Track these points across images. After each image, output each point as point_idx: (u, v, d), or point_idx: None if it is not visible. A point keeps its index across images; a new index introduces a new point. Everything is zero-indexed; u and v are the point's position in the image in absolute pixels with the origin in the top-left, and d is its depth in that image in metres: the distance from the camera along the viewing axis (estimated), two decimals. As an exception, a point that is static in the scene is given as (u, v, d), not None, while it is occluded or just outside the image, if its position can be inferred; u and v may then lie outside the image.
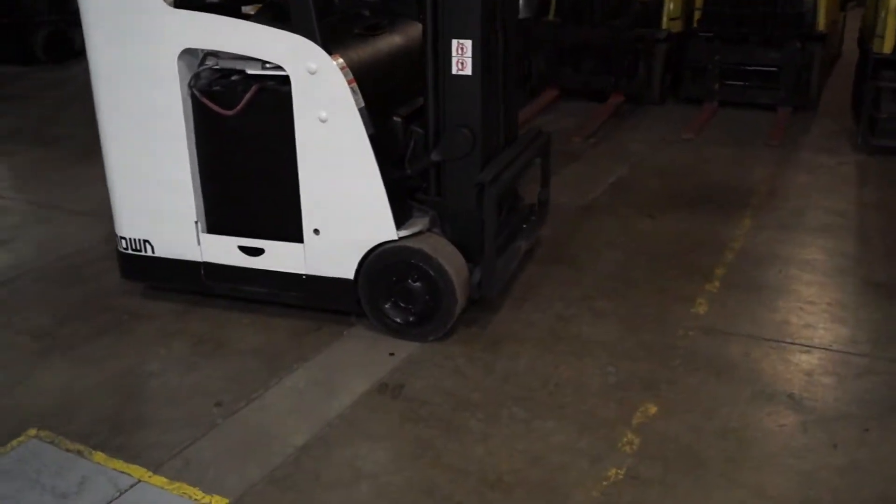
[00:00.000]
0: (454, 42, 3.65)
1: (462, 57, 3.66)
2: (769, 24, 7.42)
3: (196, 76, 3.82)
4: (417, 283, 3.74)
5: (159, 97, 3.82)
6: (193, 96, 3.81)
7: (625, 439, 3.11)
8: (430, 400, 3.40)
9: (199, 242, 4.02)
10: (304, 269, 3.89)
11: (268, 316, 4.08)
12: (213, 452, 3.11)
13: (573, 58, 8.10)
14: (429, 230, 3.84)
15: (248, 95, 3.71)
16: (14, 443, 3.16)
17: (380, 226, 3.71)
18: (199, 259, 4.05)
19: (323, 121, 3.62)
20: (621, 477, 2.91)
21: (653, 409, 3.29)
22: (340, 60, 3.59)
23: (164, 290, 4.30)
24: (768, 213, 5.24)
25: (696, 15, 7.88)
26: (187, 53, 3.77)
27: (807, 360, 3.60)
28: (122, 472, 2.99)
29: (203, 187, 3.98)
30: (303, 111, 3.64)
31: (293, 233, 3.85)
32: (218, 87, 3.80)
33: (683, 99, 7.92)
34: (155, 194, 4.02)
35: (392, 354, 3.74)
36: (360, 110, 3.59)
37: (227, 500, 2.85)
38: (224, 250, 4.00)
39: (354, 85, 3.61)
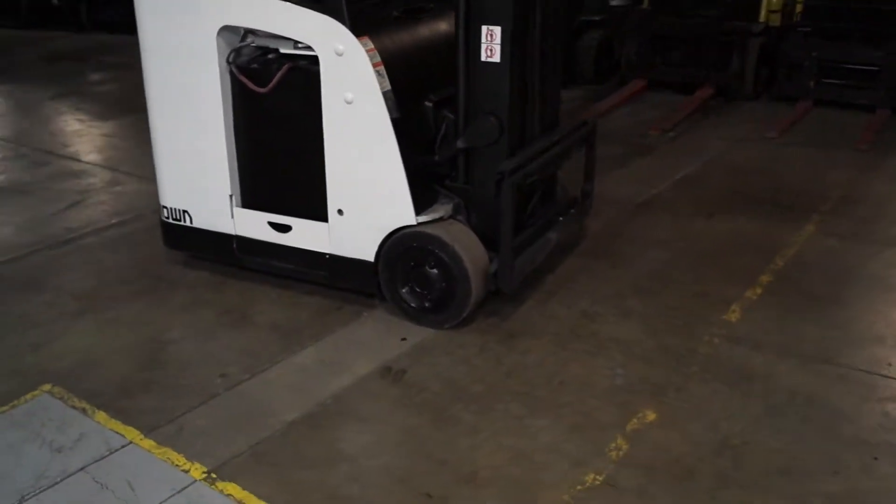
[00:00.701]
0: (484, 28, 3.58)
1: (491, 44, 3.59)
2: (872, 21, 6.94)
3: (237, 52, 3.90)
4: (434, 270, 3.72)
5: (199, 72, 3.93)
6: (231, 72, 3.90)
7: (613, 444, 2.99)
8: (428, 387, 3.38)
9: (232, 216, 4.13)
10: (328, 248, 3.93)
11: (296, 292, 4.14)
12: (206, 421, 3.19)
13: (664, 48, 7.81)
14: (452, 217, 3.80)
15: (279, 74, 3.76)
16: (28, 396, 3.35)
17: (400, 210, 3.70)
18: (232, 232, 4.15)
19: (349, 102, 3.63)
20: (598, 482, 2.81)
21: (651, 416, 3.16)
22: (368, 43, 3.59)
23: (207, 260, 4.44)
24: (836, 221, 4.91)
25: (798, 8, 7.48)
26: (226, 30, 3.85)
27: (832, 379, 3.37)
28: (117, 433, 3.11)
29: (238, 162, 4.07)
30: (330, 92, 3.67)
31: (319, 212, 3.89)
32: (254, 65, 3.87)
33: (777, 96, 7.51)
34: (193, 166, 4.14)
35: (404, 339, 3.74)
36: (385, 94, 3.58)
37: (206, 469, 2.92)
38: (255, 225, 4.09)
39: (381, 68, 3.60)
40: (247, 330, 3.85)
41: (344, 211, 3.82)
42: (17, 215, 5.22)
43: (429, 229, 3.68)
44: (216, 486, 2.84)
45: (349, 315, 3.95)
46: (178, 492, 2.82)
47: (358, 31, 3.57)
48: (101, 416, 3.23)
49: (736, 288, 4.14)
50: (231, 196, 4.09)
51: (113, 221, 5.08)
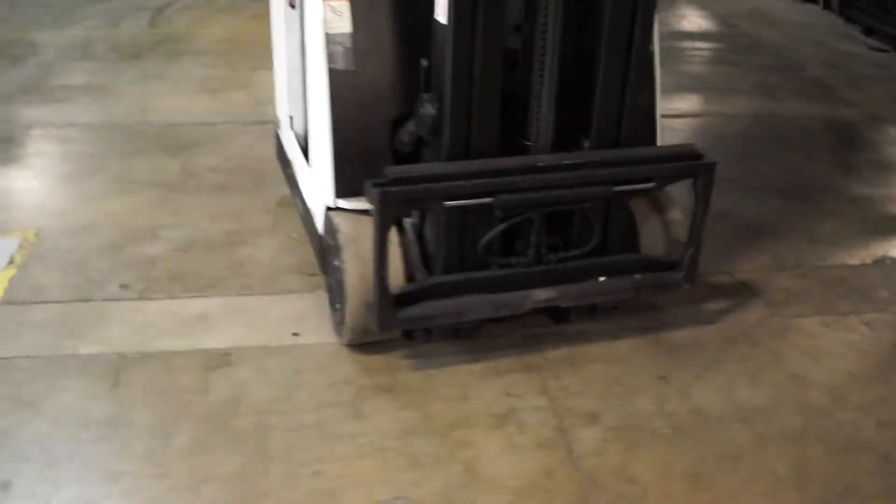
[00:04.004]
0: (443, -28, 2.53)
1: (444, -5, 2.53)
2: None
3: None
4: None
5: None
6: (294, -17, 3.48)
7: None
8: (217, 394, 2.76)
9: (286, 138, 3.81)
10: (309, 199, 3.38)
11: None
12: (42, 317, 3.13)
13: None
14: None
15: (298, -8, 3.24)
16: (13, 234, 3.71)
17: (326, 183, 2.97)
18: (288, 155, 3.84)
19: (310, 38, 2.97)
20: None
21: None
22: (331, -34, 2.83)
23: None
24: None
25: None
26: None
27: None
28: None
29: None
30: (308, 21, 3.03)
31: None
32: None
33: None
34: (277, 78, 3.90)
35: (296, 335, 3.09)
36: (331, 37, 2.83)
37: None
38: (295, 153, 3.70)
39: (340, 4, 2.83)
40: (220, 259, 3.55)
41: (311, 164, 3.22)
42: (249, 97, 5.43)
43: (337, 218, 2.90)
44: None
45: (312, 284, 3.38)
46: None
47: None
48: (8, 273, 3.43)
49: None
50: (291, 117, 3.75)
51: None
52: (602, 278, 2.96)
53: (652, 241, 3.12)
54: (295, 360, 2.96)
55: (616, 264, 2.99)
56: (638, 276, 3.00)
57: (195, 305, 3.25)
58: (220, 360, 2.94)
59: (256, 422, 2.67)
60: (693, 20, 7.74)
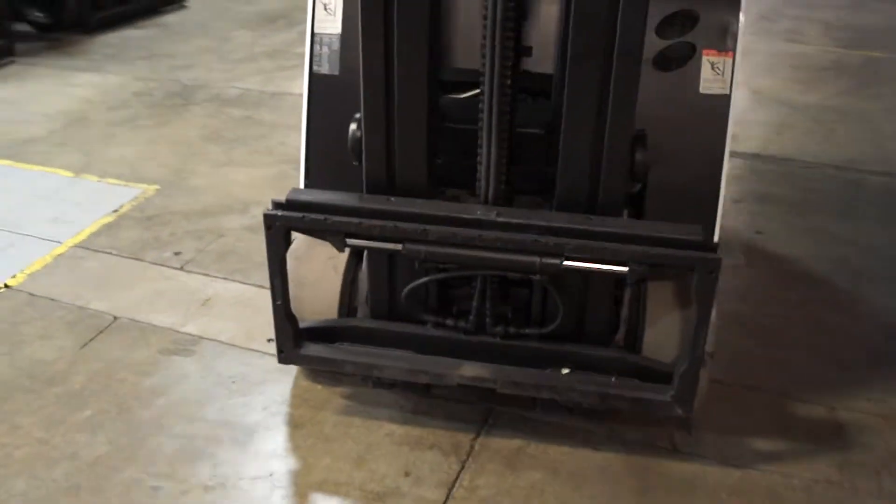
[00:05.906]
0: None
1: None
2: None
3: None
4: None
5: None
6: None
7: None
8: (152, 380, 2.76)
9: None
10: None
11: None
12: (90, 267, 3.39)
13: None
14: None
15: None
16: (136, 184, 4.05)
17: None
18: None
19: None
20: None
21: None
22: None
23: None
24: None
25: None
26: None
27: None
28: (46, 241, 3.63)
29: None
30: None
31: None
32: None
33: None
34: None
35: (270, 340, 2.94)
36: (315, 36, 2.59)
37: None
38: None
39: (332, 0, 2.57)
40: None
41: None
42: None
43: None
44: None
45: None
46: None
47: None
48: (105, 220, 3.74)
49: None
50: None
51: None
52: (565, 371, 2.37)
53: (661, 341, 2.41)
54: (244, 367, 2.84)
55: (585, 358, 2.37)
56: (614, 379, 2.35)
57: (213, 287, 3.27)
58: (184, 346, 2.93)
59: (157, 418, 2.61)
60: None
